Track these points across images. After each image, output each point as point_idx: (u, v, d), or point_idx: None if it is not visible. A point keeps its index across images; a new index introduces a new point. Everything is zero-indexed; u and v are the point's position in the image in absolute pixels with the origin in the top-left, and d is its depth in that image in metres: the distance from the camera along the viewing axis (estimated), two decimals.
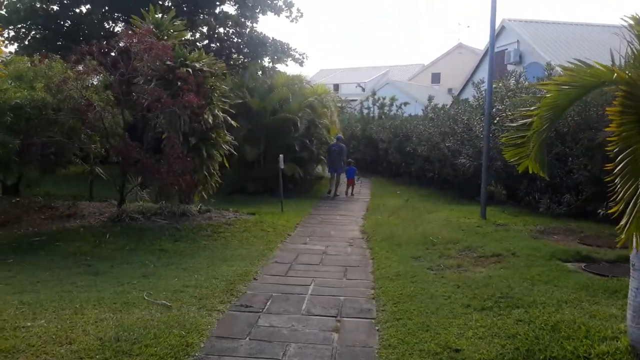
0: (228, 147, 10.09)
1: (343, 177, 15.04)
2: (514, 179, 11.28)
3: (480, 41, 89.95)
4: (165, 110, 8.58)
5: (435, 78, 46.06)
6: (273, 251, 7.60)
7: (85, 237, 7.99)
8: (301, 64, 20.04)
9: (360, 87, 46.41)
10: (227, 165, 10.14)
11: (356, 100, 37.99)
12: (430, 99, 21.23)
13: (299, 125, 13.66)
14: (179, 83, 8.75)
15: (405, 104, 25.18)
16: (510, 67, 21.71)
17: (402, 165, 19.32)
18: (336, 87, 44.29)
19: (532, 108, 4.03)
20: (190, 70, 8.93)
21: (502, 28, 23.19)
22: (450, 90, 37.99)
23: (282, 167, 11.04)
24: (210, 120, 9.28)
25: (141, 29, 9.35)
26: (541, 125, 3.85)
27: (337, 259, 7.21)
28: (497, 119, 10.27)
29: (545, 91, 3.95)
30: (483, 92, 14.19)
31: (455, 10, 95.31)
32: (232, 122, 10.09)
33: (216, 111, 9.65)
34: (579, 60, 3.54)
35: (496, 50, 24.90)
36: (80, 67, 9.07)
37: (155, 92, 8.51)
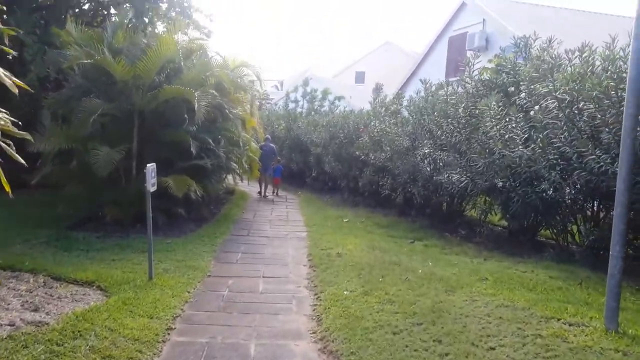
0: (7, 144, 4.32)
1: None
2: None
3: (412, 41, 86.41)
4: None
5: (360, 77, 42.10)
6: None
7: None
8: (208, 34, 14.29)
9: (276, 87, 41.34)
10: (7, 189, 4.33)
11: (272, 99, 32.74)
12: (377, 87, 16.82)
13: (196, 109, 8.07)
14: None
15: (340, 98, 20.35)
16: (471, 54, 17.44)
17: (342, 178, 14.24)
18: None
19: None
20: None
21: (462, 5, 18.76)
22: (379, 89, 33.89)
23: (151, 188, 5.47)
24: None
25: None
26: None
27: None
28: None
29: None
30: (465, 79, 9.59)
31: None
32: (13, 85, 4.16)
33: None
34: None
35: (454, 33, 20.61)
36: None
37: None
